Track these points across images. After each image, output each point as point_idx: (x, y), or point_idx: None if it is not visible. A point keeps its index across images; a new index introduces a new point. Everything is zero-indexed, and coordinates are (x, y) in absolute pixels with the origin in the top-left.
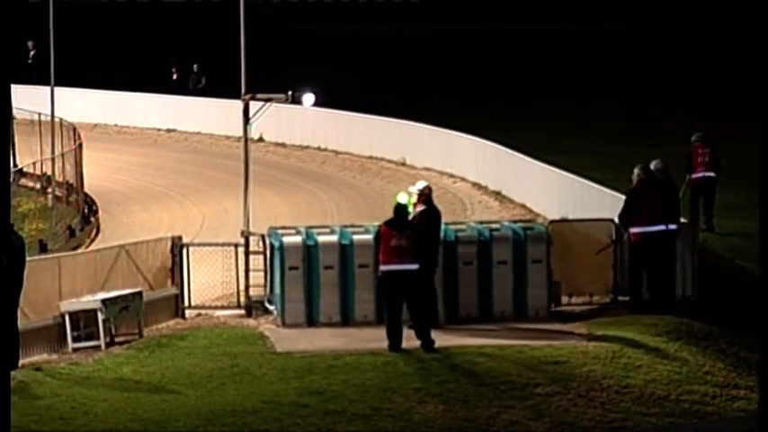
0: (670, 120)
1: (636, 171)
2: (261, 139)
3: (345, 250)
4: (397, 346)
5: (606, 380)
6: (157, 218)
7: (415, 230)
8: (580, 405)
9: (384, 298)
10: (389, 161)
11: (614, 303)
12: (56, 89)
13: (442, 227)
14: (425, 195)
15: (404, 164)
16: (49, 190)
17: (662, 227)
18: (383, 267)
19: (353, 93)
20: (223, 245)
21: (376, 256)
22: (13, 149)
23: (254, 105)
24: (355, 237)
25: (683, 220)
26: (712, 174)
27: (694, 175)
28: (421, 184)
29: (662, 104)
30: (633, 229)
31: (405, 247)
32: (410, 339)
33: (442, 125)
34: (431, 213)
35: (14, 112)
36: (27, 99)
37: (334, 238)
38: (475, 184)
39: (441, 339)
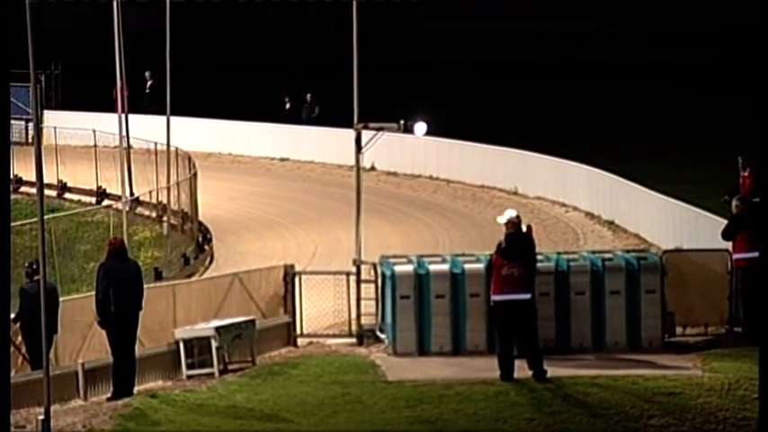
0: None
1: (734, 203)
2: (373, 168)
3: (457, 279)
4: (509, 376)
5: (722, 412)
6: (270, 246)
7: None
8: None
9: (496, 327)
10: (501, 190)
11: (730, 334)
12: (171, 119)
13: (553, 256)
14: (514, 224)
15: (516, 193)
16: (165, 218)
17: (756, 254)
18: (495, 297)
19: (465, 122)
20: (335, 273)
21: (488, 286)
22: (130, 178)
23: (366, 134)
24: (467, 266)
25: None
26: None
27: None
28: (509, 214)
29: None
30: (736, 255)
31: (516, 277)
32: (522, 369)
33: (555, 154)
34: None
35: (132, 141)
36: (144, 128)
37: (446, 266)
38: (587, 214)
39: (553, 369)
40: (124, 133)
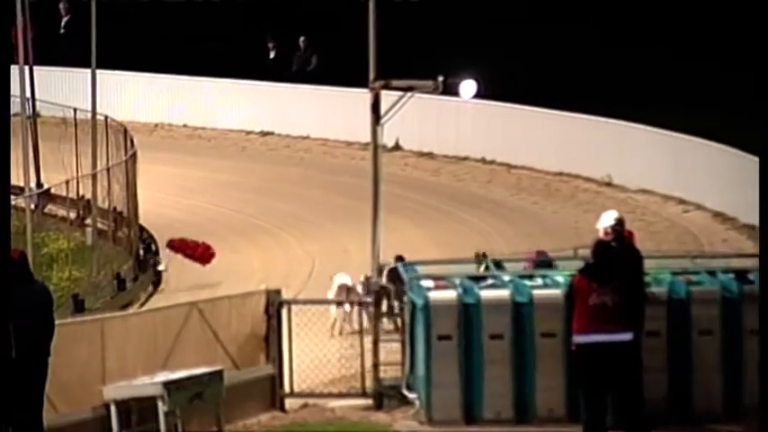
0: None
1: None
2: (397, 147)
3: (521, 311)
4: None
5: None
6: (245, 261)
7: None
8: None
9: (580, 383)
10: (588, 179)
11: None
12: (99, 73)
13: (666, 277)
14: (617, 232)
15: (609, 184)
16: (89, 221)
17: None
18: (579, 338)
19: (533, 78)
20: (341, 303)
21: (568, 321)
22: (37, 161)
23: (387, 97)
24: (535, 291)
25: None
26: None
27: None
28: (610, 217)
29: None
30: None
31: (611, 307)
32: None
33: (667, 126)
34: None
35: (39, 105)
36: (57, 87)
37: (505, 292)
38: (717, 215)
39: None
40: (28, 94)
